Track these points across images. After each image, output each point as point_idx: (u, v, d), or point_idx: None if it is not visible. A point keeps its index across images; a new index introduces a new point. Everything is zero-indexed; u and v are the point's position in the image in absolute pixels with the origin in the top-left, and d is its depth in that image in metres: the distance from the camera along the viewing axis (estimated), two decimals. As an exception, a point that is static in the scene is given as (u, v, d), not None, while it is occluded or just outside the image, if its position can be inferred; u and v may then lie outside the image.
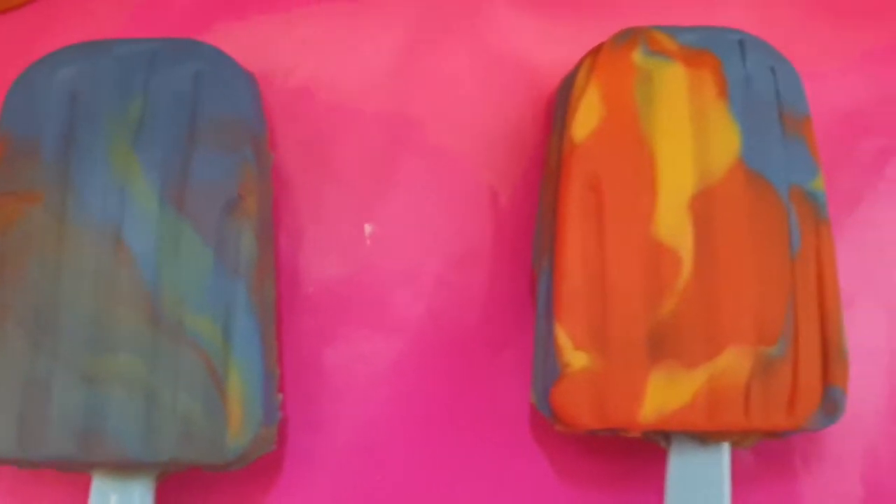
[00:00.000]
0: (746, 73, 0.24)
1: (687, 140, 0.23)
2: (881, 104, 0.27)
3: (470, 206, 0.26)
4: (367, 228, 0.25)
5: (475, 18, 0.27)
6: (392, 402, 0.24)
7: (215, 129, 0.23)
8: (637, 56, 0.24)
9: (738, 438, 0.23)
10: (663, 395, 0.22)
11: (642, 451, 0.24)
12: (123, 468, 0.21)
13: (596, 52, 0.25)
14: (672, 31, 0.25)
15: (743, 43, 0.25)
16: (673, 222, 0.23)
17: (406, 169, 0.26)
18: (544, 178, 0.25)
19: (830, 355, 0.23)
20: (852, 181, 0.26)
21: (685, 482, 0.23)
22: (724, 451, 0.23)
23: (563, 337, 0.22)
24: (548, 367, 0.23)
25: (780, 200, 0.23)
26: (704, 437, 0.23)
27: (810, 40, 0.27)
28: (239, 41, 0.26)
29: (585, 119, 0.24)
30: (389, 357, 0.25)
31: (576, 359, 0.22)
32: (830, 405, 0.23)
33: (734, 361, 0.22)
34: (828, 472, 0.25)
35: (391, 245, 0.25)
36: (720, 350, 0.22)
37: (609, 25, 0.27)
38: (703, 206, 0.23)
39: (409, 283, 0.25)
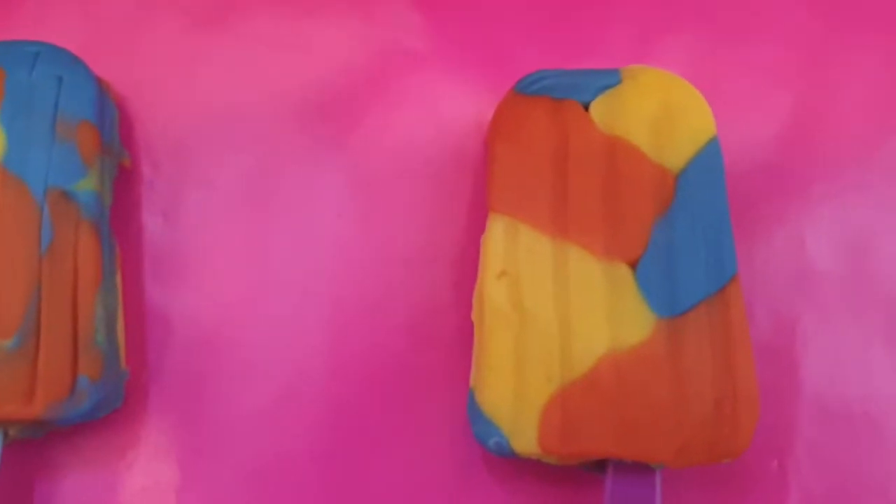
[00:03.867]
0: (31, 84, 0.26)
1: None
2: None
3: None
4: None
5: None
6: None
7: None
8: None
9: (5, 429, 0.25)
10: None
11: None
12: None
13: None
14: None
15: (38, 55, 0.26)
16: (-80, 225, 0.25)
17: None
18: None
19: (80, 347, 0.24)
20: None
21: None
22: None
23: None
24: None
25: (34, 200, 0.25)
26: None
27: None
28: None
29: None
30: None
31: None
32: (78, 394, 0.24)
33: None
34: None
35: None
36: (-51, 342, 0.24)
37: None
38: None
39: None
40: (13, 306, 0.24)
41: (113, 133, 0.27)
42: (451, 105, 0.29)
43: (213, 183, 0.28)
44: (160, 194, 0.28)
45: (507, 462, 0.26)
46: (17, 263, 0.24)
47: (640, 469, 0.24)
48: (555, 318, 0.24)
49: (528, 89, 0.27)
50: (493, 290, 0.25)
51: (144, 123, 0.29)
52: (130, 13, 0.30)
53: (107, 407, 0.25)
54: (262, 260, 0.28)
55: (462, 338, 0.27)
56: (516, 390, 0.24)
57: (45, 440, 0.26)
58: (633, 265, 0.25)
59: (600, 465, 0.25)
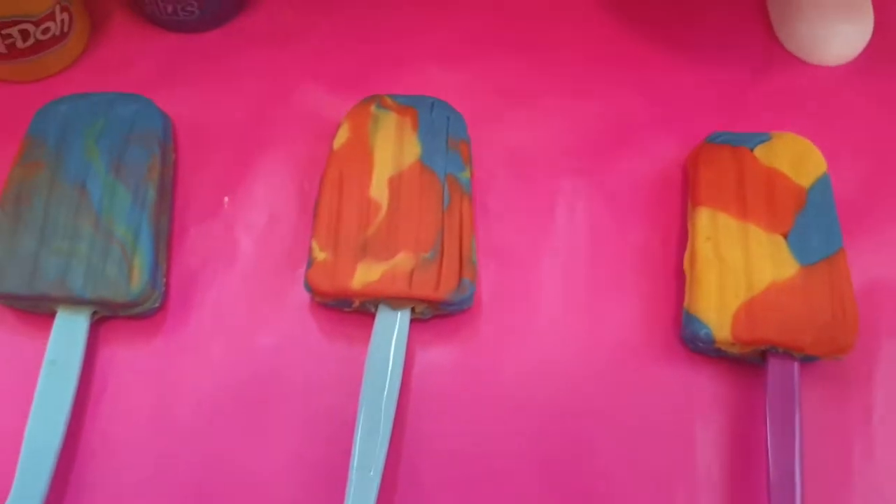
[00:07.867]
0: (432, 118, 0.45)
1: (391, 149, 0.44)
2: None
3: (285, 192, 0.46)
4: (226, 199, 0.45)
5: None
6: (237, 292, 0.43)
7: (138, 137, 0.43)
8: (373, 108, 0.45)
9: (414, 306, 0.42)
10: (364, 276, 0.41)
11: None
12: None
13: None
14: (396, 97, 0.45)
15: (433, 104, 0.45)
16: (379, 189, 0.43)
17: (257, 161, 0.46)
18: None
19: (463, 262, 0.42)
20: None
21: (381, 333, 0.41)
22: (406, 314, 0.42)
23: (314, 243, 0.42)
24: (307, 262, 0.42)
25: (439, 181, 0.43)
26: (394, 305, 0.41)
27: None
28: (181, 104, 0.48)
29: (339, 138, 0.44)
30: (236, 266, 0.44)
31: (320, 255, 0.41)
32: (462, 288, 0.41)
33: (404, 260, 0.41)
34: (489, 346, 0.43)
35: (242, 208, 0.45)
36: (396, 253, 0.41)
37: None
38: (396, 182, 0.43)
39: (250, 230, 0.45)
40: (430, 236, 0.42)
41: (470, 151, 0.45)
42: (659, 149, 0.48)
43: (512, 190, 0.47)
44: (482, 190, 0.46)
45: (698, 358, 0.43)
46: (431, 215, 0.42)
47: (788, 358, 0.41)
48: (742, 263, 0.42)
49: (715, 140, 0.46)
50: (703, 248, 0.43)
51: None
52: (467, 87, 0.49)
53: (468, 303, 0.42)
54: (542, 231, 0.45)
55: (668, 279, 0.44)
56: (718, 305, 0.42)
57: (423, 322, 0.43)
58: (785, 236, 0.43)
59: (762, 356, 0.42)
